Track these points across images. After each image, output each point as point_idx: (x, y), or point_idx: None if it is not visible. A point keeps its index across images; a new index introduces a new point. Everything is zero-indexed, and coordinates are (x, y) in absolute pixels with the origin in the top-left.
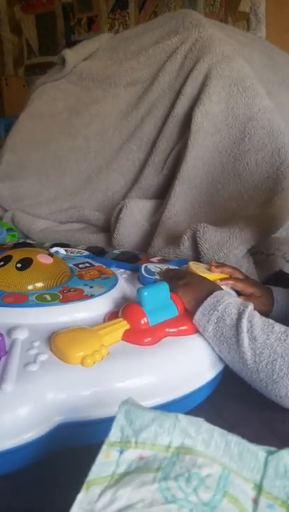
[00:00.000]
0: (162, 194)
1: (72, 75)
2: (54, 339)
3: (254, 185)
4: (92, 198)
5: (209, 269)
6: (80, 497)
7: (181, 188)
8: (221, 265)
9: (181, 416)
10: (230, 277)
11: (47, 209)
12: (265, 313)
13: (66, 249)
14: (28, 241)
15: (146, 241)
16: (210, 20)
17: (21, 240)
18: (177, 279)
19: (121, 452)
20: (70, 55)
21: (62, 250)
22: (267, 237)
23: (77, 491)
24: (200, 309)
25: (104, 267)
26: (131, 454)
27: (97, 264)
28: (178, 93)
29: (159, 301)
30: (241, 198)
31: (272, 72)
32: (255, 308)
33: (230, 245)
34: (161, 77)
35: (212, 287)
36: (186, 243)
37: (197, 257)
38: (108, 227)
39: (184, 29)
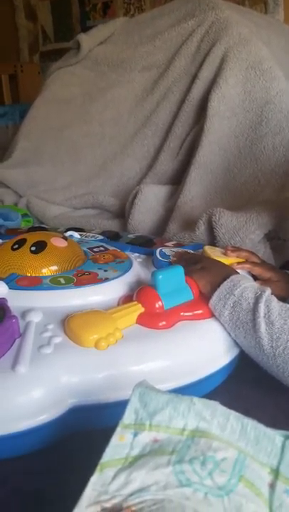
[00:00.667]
0: (177, 180)
1: (87, 59)
2: (68, 322)
3: (271, 169)
4: (107, 184)
5: (225, 254)
6: (94, 479)
7: (196, 173)
8: (237, 249)
9: (196, 399)
10: (247, 261)
11: (62, 195)
12: (283, 298)
13: (81, 233)
14: (44, 226)
15: (161, 226)
16: (227, 3)
17: (36, 225)
18: (193, 263)
19: (135, 435)
20: (85, 39)
21: (76, 234)
22: (284, 222)
23: (90, 473)
24: (216, 293)
25: (118, 250)
26: (145, 437)
27: (111, 248)
28: (194, 77)
29: (174, 284)
30: (258, 183)
31: None
32: (272, 293)
33: (247, 230)
34: (177, 61)
35: (228, 271)
36: (201, 228)
37: (213, 241)
38: (123, 213)
39: (201, 12)
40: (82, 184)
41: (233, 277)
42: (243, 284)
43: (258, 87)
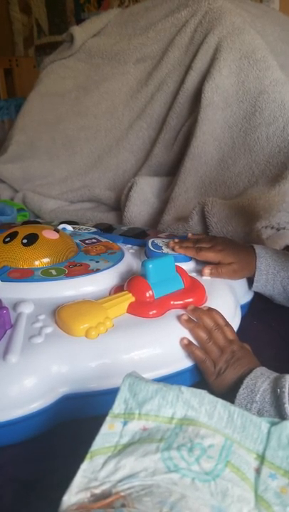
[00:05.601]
0: (173, 171)
1: (81, 52)
2: (59, 312)
3: (265, 160)
4: (103, 177)
5: (173, 248)
6: (84, 466)
7: (191, 165)
8: (180, 241)
9: (184, 388)
10: (192, 247)
11: (58, 189)
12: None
13: (74, 226)
14: (38, 220)
15: (157, 218)
16: None
17: (31, 220)
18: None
19: (124, 424)
20: (79, 31)
21: (69, 227)
22: (277, 211)
23: (80, 461)
24: (236, 404)
25: (110, 242)
26: (134, 426)
27: (104, 240)
28: (188, 68)
29: (165, 273)
30: (252, 174)
31: (285, 44)
32: (226, 277)
33: (239, 219)
34: (171, 52)
35: (241, 372)
36: (194, 218)
37: (206, 231)
38: (119, 206)
39: (194, 1)
40: (78, 177)
41: (247, 382)
42: (262, 387)
43: (252, 77)
